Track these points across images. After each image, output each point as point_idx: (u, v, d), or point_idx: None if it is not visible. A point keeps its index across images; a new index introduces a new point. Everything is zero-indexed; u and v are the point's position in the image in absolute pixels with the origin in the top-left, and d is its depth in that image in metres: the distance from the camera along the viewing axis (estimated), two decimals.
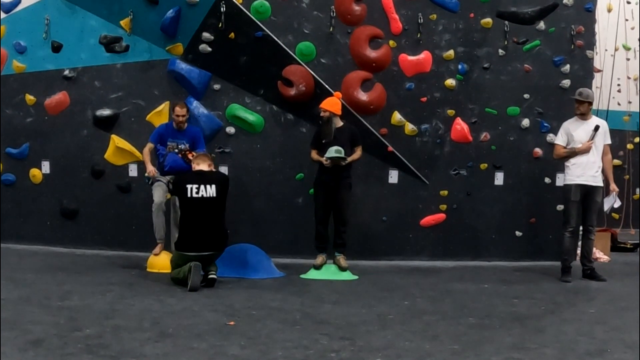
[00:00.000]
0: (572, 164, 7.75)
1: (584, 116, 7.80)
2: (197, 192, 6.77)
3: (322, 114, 7.65)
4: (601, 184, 7.83)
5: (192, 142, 7.83)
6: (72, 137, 8.91)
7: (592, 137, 7.67)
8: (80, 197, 8.94)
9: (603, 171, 7.91)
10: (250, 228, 8.53)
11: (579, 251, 9.31)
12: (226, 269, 7.27)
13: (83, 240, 8.91)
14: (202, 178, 6.85)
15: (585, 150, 7.68)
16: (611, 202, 8.05)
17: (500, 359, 4.28)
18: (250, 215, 8.65)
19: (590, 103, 7.80)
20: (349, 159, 7.56)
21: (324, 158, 7.50)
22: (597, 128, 7.68)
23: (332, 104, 7.69)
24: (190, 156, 7.53)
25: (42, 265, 7.67)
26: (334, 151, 7.44)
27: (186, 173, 7.17)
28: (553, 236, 8.43)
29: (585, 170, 7.68)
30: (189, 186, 6.78)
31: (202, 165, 6.98)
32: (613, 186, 7.98)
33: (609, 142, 7.93)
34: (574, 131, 7.79)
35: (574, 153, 7.75)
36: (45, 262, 7.90)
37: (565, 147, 7.85)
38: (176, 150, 7.74)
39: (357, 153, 7.73)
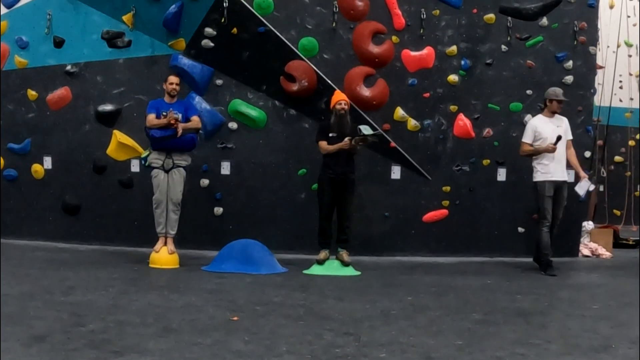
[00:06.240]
0: (542, 162, 7.93)
1: (554, 114, 8.04)
2: None
3: (344, 106, 7.56)
4: (567, 178, 8.07)
5: (185, 110, 7.64)
6: (74, 132, 8.91)
7: (556, 143, 7.80)
8: (82, 193, 8.94)
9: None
10: (253, 223, 8.53)
11: (581, 247, 9.34)
12: (229, 264, 7.29)
13: (85, 236, 8.92)
14: None
15: (550, 151, 7.83)
16: (585, 187, 8.16)
17: (505, 354, 4.27)
18: (253, 210, 8.65)
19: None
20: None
21: (360, 135, 7.29)
22: (559, 138, 7.80)
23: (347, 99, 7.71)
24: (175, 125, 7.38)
25: (44, 260, 7.66)
26: (369, 128, 7.38)
27: None
28: (555, 232, 8.42)
29: (556, 167, 7.91)
30: None
31: None
32: (582, 173, 8.16)
33: (571, 137, 8.18)
34: (541, 129, 7.96)
35: (537, 151, 7.94)
36: (48, 257, 7.90)
37: (531, 145, 8.02)
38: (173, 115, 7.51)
39: None
